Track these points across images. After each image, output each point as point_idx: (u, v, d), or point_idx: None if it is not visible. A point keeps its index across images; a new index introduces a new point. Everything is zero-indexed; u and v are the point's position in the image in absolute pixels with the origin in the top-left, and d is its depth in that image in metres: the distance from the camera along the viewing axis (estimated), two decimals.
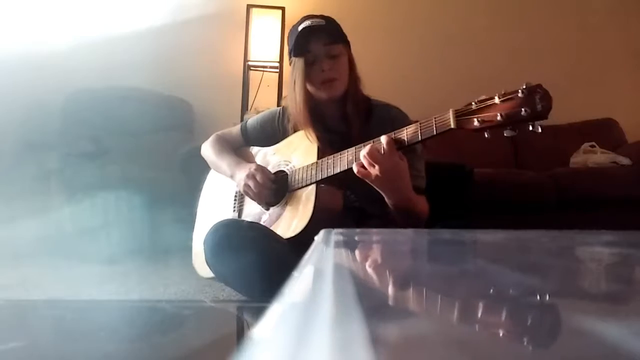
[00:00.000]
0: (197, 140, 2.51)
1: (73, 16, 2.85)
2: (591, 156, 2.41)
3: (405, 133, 1.04)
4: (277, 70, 2.73)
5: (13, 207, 1.91)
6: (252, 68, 2.80)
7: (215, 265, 1.18)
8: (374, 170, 1.03)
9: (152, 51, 2.83)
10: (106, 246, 1.90)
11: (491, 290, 0.34)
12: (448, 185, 1.44)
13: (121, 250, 1.88)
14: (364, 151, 1.05)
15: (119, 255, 1.88)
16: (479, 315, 0.26)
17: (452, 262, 0.51)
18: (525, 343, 0.19)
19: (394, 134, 1.05)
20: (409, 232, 0.98)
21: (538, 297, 0.32)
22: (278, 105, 2.45)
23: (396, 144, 1.04)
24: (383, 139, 1.04)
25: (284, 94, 2.72)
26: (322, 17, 1.26)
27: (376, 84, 1.34)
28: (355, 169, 1.06)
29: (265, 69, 2.81)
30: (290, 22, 2.69)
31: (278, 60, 2.69)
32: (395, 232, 0.93)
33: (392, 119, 1.30)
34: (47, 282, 1.63)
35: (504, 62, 3.10)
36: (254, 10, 2.74)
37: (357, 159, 1.08)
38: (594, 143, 2.49)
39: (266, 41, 2.71)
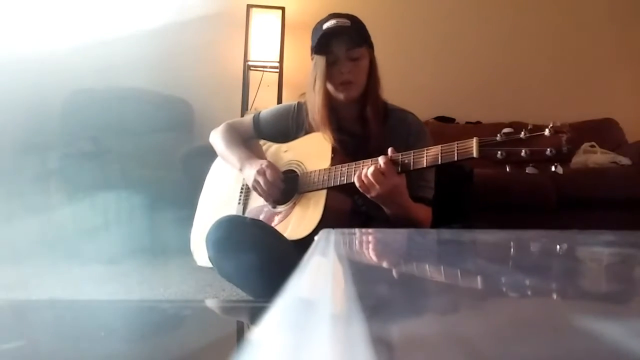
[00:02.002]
0: (197, 140, 2.51)
1: (73, 16, 2.85)
2: (591, 156, 2.41)
3: (425, 155, 1.04)
4: (277, 70, 2.73)
5: (13, 207, 1.91)
6: (252, 68, 2.80)
7: (217, 261, 1.18)
8: (375, 190, 1.07)
9: (152, 51, 2.83)
10: (106, 246, 1.90)
11: (491, 290, 0.34)
12: (448, 185, 1.44)
13: (121, 250, 1.88)
14: (367, 171, 1.08)
15: (119, 255, 1.88)
16: (479, 314, 0.26)
17: (452, 261, 0.51)
18: (525, 343, 0.19)
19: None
20: (409, 232, 0.98)
21: (538, 297, 0.32)
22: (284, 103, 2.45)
23: (396, 165, 1.08)
24: (381, 160, 1.08)
25: (284, 94, 2.72)
26: (348, 17, 1.25)
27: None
28: (357, 184, 1.10)
29: (265, 69, 2.81)
30: (290, 22, 2.70)
31: (278, 60, 2.69)
32: (395, 232, 0.93)
33: (409, 125, 1.31)
34: (47, 282, 1.63)
35: (503, 62, 3.10)
36: (254, 10, 2.73)
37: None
38: (594, 143, 2.49)
39: (266, 41, 2.71)
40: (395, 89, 1.39)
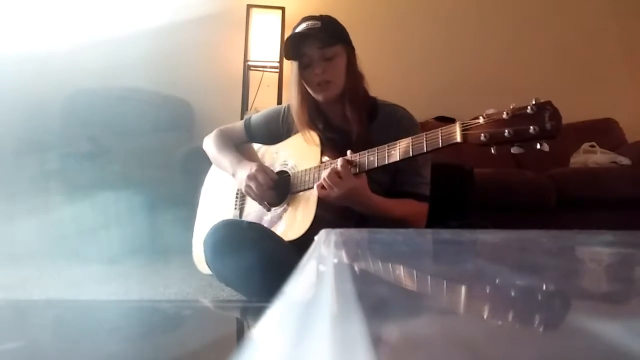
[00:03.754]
0: (196, 140, 2.50)
1: (73, 16, 2.85)
2: (591, 156, 2.41)
3: (410, 143, 1.03)
4: (277, 70, 2.73)
5: (13, 207, 1.91)
6: (252, 68, 2.80)
7: (215, 265, 1.18)
8: (333, 193, 1.09)
9: (151, 51, 2.83)
10: (106, 246, 1.90)
11: (491, 290, 0.34)
12: (448, 185, 1.44)
13: (121, 250, 1.88)
14: (324, 174, 1.10)
15: (119, 255, 1.88)
16: (479, 315, 0.26)
17: (452, 262, 0.51)
18: (525, 343, 0.19)
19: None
20: (409, 232, 0.98)
21: (538, 297, 0.32)
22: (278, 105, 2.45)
23: (351, 166, 1.10)
24: (339, 162, 1.09)
25: (284, 94, 2.73)
26: (320, 18, 1.25)
27: (374, 82, 1.34)
28: (316, 190, 1.12)
29: (265, 69, 2.82)
30: (290, 22, 2.69)
31: (278, 60, 2.70)
32: (395, 232, 0.93)
33: (399, 119, 1.30)
34: (47, 282, 1.63)
35: (503, 61, 3.10)
36: (254, 10, 2.74)
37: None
38: (594, 143, 2.49)
39: (266, 41, 2.72)
40: (396, 89, 1.39)
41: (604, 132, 2.72)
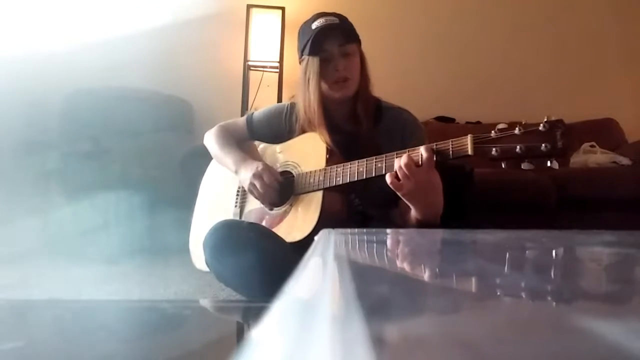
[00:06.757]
0: (197, 140, 2.50)
1: (73, 16, 2.85)
2: (591, 156, 2.41)
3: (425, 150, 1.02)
4: (277, 70, 2.73)
5: (13, 207, 1.91)
6: (252, 68, 2.80)
7: (214, 266, 1.18)
8: (409, 184, 0.99)
9: (152, 51, 2.83)
10: (106, 246, 1.90)
11: (491, 290, 0.34)
12: (448, 185, 1.44)
13: (121, 250, 1.88)
14: (400, 161, 0.99)
15: (119, 255, 1.88)
16: (479, 315, 0.26)
17: (452, 261, 0.51)
18: (525, 343, 0.19)
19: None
20: (409, 232, 0.98)
21: (538, 297, 0.32)
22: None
23: (438, 156, 0.98)
24: (423, 150, 0.99)
25: (284, 93, 2.72)
26: (335, 15, 1.25)
27: (374, 82, 1.34)
28: (388, 180, 1.01)
29: (265, 69, 2.81)
30: (290, 22, 2.70)
31: (278, 60, 2.70)
32: (395, 232, 0.93)
33: (404, 122, 1.29)
34: (47, 282, 1.63)
35: (503, 61, 3.10)
36: (254, 10, 2.74)
37: (367, 172, 1.07)
38: (594, 143, 2.49)
39: (266, 41, 2.72)
40: (396, 89, 1.39)
41: (604, 132, 2.72)
